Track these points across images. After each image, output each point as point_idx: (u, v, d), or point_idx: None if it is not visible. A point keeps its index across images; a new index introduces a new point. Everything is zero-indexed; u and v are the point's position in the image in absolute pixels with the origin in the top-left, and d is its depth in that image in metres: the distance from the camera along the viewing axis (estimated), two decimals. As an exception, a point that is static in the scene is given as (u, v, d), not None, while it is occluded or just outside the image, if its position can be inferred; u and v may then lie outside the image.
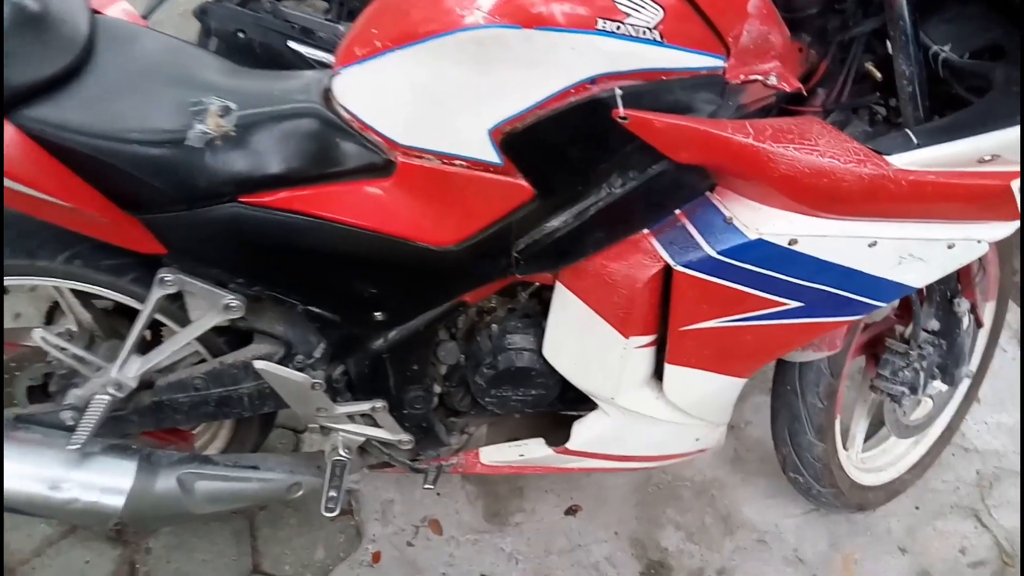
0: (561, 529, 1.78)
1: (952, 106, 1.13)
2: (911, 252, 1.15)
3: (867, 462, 1.79)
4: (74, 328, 1.43)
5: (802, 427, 1.53)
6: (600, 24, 0.99)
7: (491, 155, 1.08)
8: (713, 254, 1.11)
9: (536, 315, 1.37)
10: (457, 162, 1.11)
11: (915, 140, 1.06)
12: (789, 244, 1.10)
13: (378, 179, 1.14)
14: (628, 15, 1.00)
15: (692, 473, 1.90)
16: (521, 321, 1.38)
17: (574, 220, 1.15)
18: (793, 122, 1.08)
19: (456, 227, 1.16)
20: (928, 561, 1.79)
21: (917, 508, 1.89)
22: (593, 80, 1.03)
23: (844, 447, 1.69)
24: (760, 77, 1.10)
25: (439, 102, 1.07)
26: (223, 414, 1.44)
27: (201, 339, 1.34)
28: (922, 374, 1.52)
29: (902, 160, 1.05)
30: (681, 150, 1.07)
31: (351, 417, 1.42)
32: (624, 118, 1.03)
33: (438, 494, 1.81)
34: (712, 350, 1.26)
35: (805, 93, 1.13)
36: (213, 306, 1.25)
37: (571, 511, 1.82)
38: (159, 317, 1.33)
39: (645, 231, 1.17)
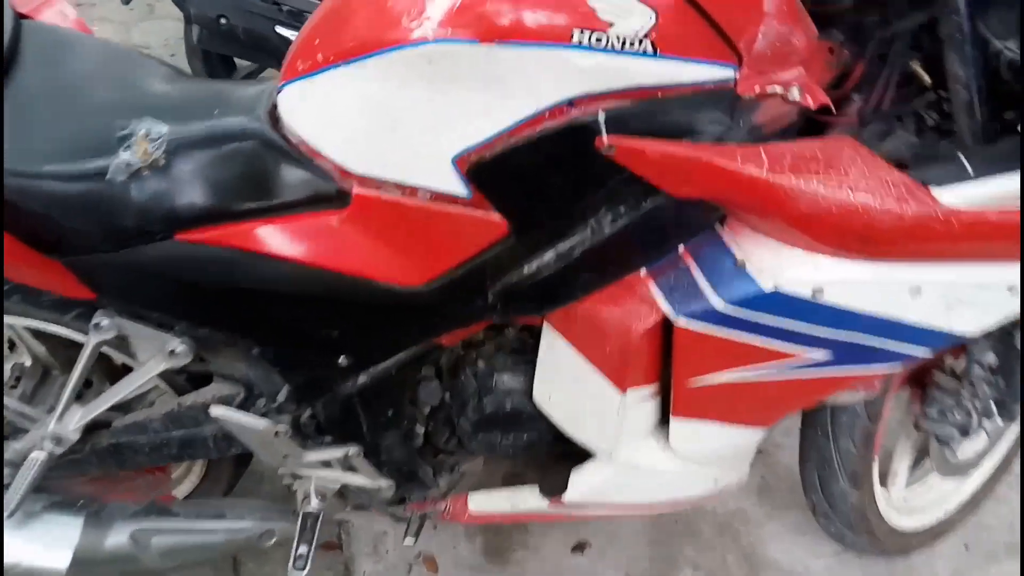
0: (567, 568, 1.64)
1: (1019, 109, 0.93)
2: (963, 298, 0.95)
3: (909, 500, 1.60)
4: (27, 363, 1.31)
5: (834, 474, 1.35)
6: (576, 36, 0.81)
7: (457, 186, 0.92)
8: (721, 306, 0.93)
9: (528, 351, 1.21)
10: (420, 193, 0.94)
11: (970, 170, 0.86)
12: (813, 295, 0.91)
13: (331, 211, 0.99)
14: (612, 23, 0.81)
15: (713, 505, 1.73)
16: (511, 358, 1.22)
17: (558, 261, 0.98)
18: (819, 146, 0.89)
19: (422, 266, 1.01)
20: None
21: (967, 548, 1.70)
22: (571, 102, 0.85)
23: (883, 485, 1.51)
24: (780, 89, 0.91)
25: (393, 127, 0.90)
26: (189, 456, 1.33)
27: (161, 375, 1.22)
28: (975, 414, 1.32)
29: (953, 195, 0.85)
30: (680, 184, 0.89)
31: (324, 463, 1.29)
32: (610, 148, 0.86)
33: (435, 527, 1.68)
34: (725, 403, 1.08)
35: (834, 109, 0.93)
36: (158, 351, 1.12)
37: (578, 548, 1.67)
38: (110, 353, 1.21)
39: (642, 272, 0.99)
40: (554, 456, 1.35)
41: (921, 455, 1.60)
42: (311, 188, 0.98)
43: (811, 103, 0.90)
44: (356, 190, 0.96)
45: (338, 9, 0.90)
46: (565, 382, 1.12)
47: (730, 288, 0.92)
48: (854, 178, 0.85)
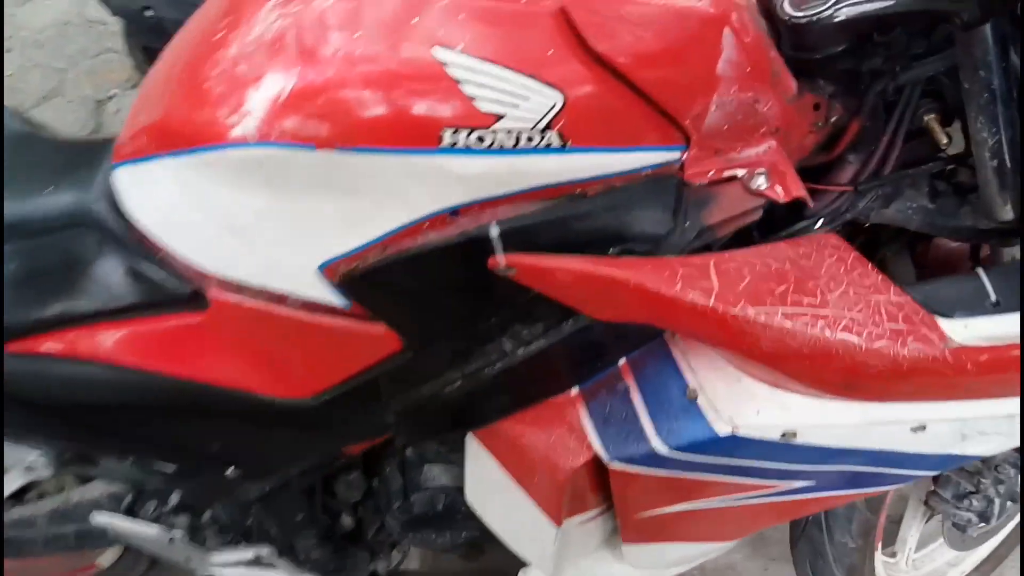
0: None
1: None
2: (982, 429, 0.74)
3: (919, 566, 1.41)
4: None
5: (828, 567, 1.16)
6: (447, 138, 0.59)
7: (331, 297, 0.72)
8: (665, 451, 0.73)
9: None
10: (290, 300, 0.74)
11: (992, 294, 0.64)
12: (783, 437, 0.71)
13: (187, 313, 0.80)
14: (499, 115, 0.59)
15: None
16: (443, 446, 1.04)
17: (465, 381, 0.78)
18: (790, 254, 0.67)
19: (305, 378, 0.82)
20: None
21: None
22: (455, 211, 0.64)
23: (889, 553, 1.32)
24: (740, 173, 0.69)
25: (242, 229, 0.70)
26: (89, 546, 1.18)
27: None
28: (997, 501, 1.12)
29: (969, 331, 0.63)
30: (603, 309, 0.68)
31: (235, 564, 1.13)
32: (508, 268, 0.65)
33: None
34: (684, 527, 0.89)
35: (810, 202, 0.70)
36: (15, 465, 0.95)
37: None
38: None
39: (573, 391, 0.79)
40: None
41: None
42: (160, 288, 0.79)
43: (780, 196, 0.68)
44: (213, 293, 0.77)
45: (157, 82, 0.69)
46: (495, 498, 0.94)
47: (677, 429, 0.72)
48: (835, 306, 0.64)
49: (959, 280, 0.68)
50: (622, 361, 0.78)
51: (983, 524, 1.13)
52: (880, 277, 0.66)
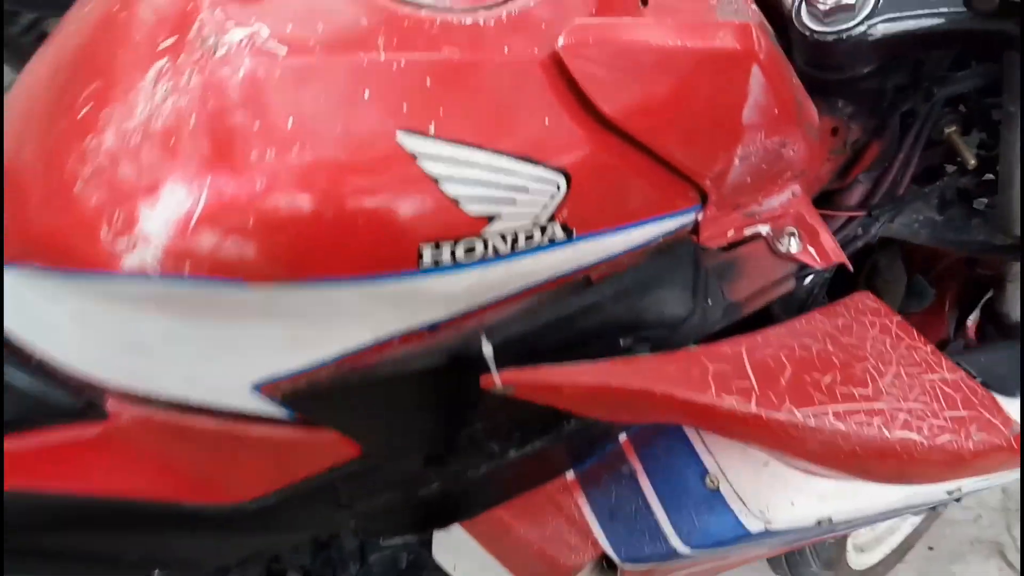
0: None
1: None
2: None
3: (867, 536, 1.41)
4: None
5: (806, 560, 1.13)
6: (427, 256, 0.44)
7: (269, 409, 0.57)
8: (687, 551, 0.63)
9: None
10: (215, 411, 0.59)
11: (1061, 367, 0.56)
12: (818, 525, 0.62)
13: (79, 425, 0.63)
14: (493, 216, 0.45)
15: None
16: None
17: (444, 484, 0.66)
18: (827, 329, 0.57)
19: (239, 485, 0.67)
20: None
21: (931, 549, 1.56)
22: (435, 326, 0.50)
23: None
24: (764, 230, 0.57)
25: (145, 348, 0.54)
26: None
27: None
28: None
29: (1035, 412, 0.55)
30: (622, 415, 0.56)
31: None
32: (506, 388, 0.52)
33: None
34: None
35: (850, 267, 0.60)
36: None
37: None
38: None
39: (569, 476, 0.68)
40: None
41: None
42: (40, 402, 0.62)
43: (816, 261, 0.57)
44: (112, 405, 0.61)
45: (12, 174, 0.50)
46: (473, 568, 0.83)
47: (701, 527, 0.63)
48: (889, 395, 0.54)
49: (1012, 348, 0.59)
50: (623, 437, 0.68)
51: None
52: (929, 348, 0.57)
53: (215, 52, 0.43)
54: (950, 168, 0.75)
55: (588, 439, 0.66)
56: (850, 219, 0.70)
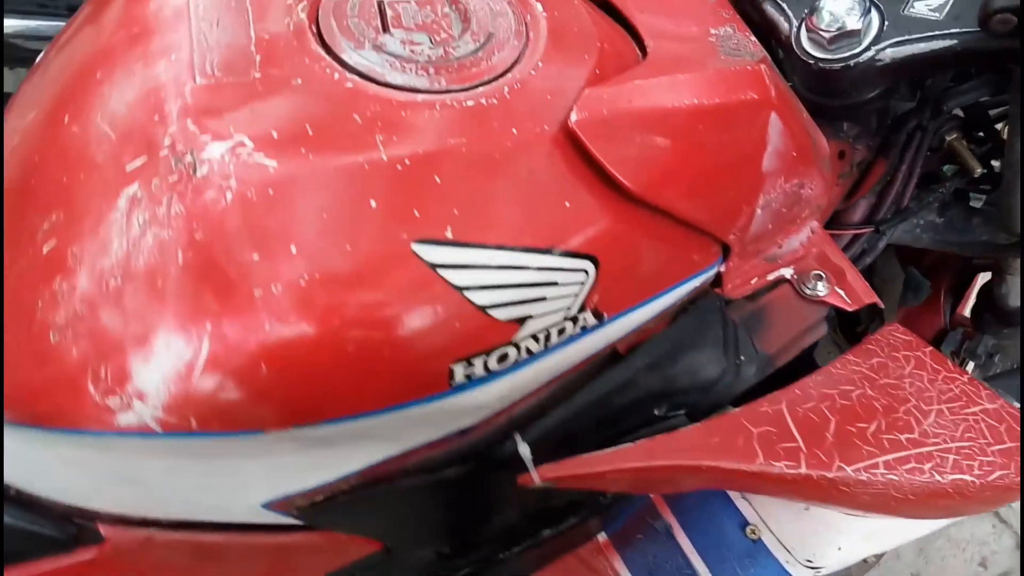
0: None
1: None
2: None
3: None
4: None
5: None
6: (459, 375, 0.40)
7: (278, 519, 0.53)
8: (734, 608, 0.61)
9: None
10: (223, 526, 0.55)
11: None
12: (865, 563, 0.60)
13: (71, 552, 0.58)
14: (525, 318, 0.41)
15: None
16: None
17: (474, 567, 0.62)
18: (863, 369, 0.55)
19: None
20: (947, 586, 1.51)
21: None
22: (464, 431, 0.46)
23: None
24: (788, 273, 0.55)
25: (142, 482, 0.49)
26: None
27: None
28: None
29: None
30: (665, 488, 0.53)
31: None
32: (546, 483, 0.48)
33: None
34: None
35: (879, 302, 0.57)
36: None
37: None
38: None
39: (600, 537, 0.65)
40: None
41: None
42: (26, 532, 0.57)
43: (848, 304, 0.54)
44: (108, 531, 0.56)
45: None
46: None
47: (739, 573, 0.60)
48: (935, 436, 0.52)
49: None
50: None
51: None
52: (966, 378, 0.55)
53: (195, 172, 0.38)
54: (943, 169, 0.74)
55: (622, 504, 0.63)
56: (856, 236, 0.68)
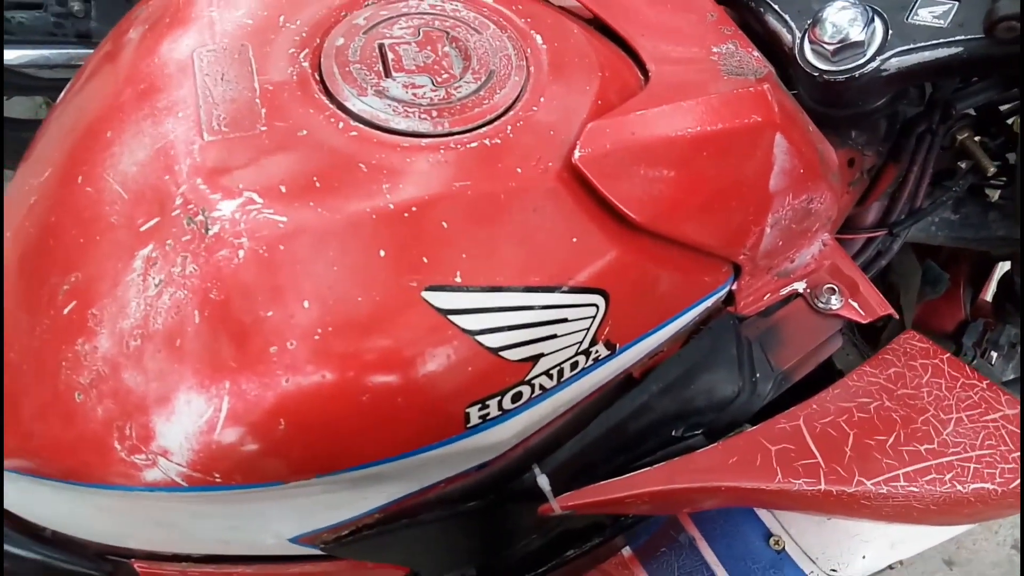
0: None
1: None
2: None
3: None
4: None
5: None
6: (475, 417, 0.41)
7: (304, 551, 0.54)
8: (761, 619, 0.61)
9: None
10: (252, 559, 0.56)
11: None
12: (890, 569, 0.61)
13: None
14: (538, 356, 0.42)
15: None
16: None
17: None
18: (880, 380, 0.55)
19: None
20: (979, 570, 1.50)
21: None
22: (483, 465, 0.47)
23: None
24: (800, 287, 0.55)
25: (170, 524, 0.50)
26: None
27: None
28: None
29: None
30: (685, 507, 0.54)
31: None
32: (566, 512, 0.49)
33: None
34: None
35: (894, 313, 0.57)
36: None
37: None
38: None
39: (625, 552, 0.66)
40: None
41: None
42: (61, 571, 0.59)
43: (862, 316, 0.54)
44: (141, 566, 0.58)
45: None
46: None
47: (768, 589, 0.60)
48: (954, 446, 0.52)
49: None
50: (676, 505, 0.65)
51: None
52: (985, 384, 0.55)
53: (207, 231, 0.39)
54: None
55: (646, 520, 0.63)
56: (870, 239, 0.68)
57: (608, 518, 0.58)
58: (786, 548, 0.60)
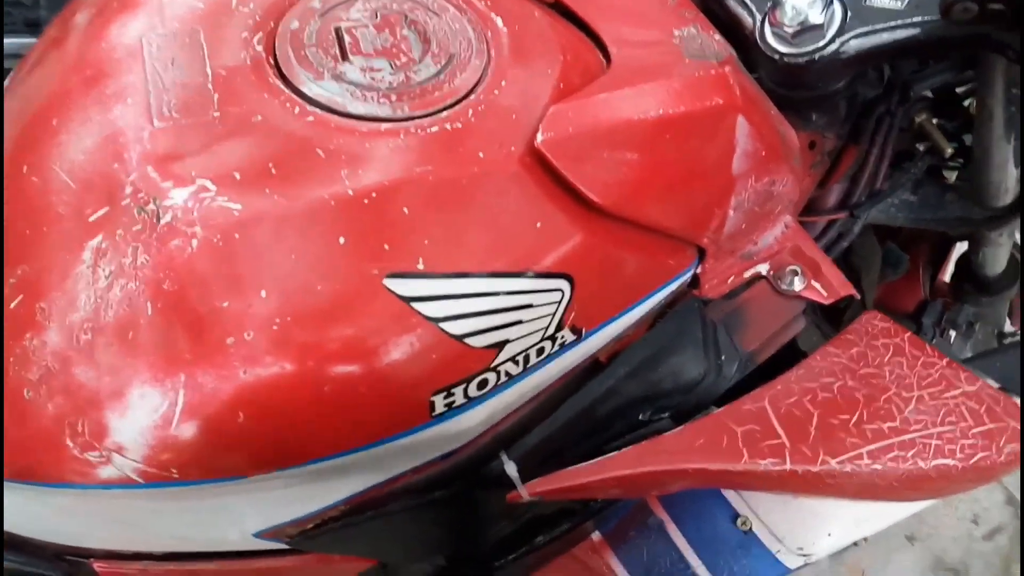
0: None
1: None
2: None
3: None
4: None
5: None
6: (440, 405, 0.40)
7: (268, 546, 0.54)
8: (728, 598, 0.62)
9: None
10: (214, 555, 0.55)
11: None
12: (855, 545, 0.62)
13: None
14: (503, 342, 0.41)
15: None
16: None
17: (471, 573, 0.63)
18: (843, 360, 0.55)
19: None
20: (940, 545, 1.54)
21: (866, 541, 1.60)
22: (449, 454, 0.46)
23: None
24: (763, 269, 0.55)
25: (132, 522, 0.49)
26: None
27: None
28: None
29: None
30: (652, 491, 0.54)
31: None
32: (533, 498, 0.48)
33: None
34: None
35: (855, 294, 0.58)
36: None
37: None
38: None
39: (595, 536, 0.66)
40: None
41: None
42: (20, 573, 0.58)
43: (824, 297, 0.55)
44: (100, 566, 0.57)
45: None
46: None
47: (739, 571, 0.61)
48: (917, 424, 0.53)
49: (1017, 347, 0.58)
50: (645, 489, 0.65)
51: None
52: (945, 362, 0.56)
53: (158, 220, 0.38)
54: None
55: (615, 504, 0.63)
56: (831, 221, 0.68)
57: (578, 503, 0.57)
58: (753, 528, 0.61)
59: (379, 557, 0.57)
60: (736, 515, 0.62)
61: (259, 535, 0.51)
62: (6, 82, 0.54)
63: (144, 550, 0.55)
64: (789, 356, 0.61)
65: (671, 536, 0.64)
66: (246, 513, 0.47)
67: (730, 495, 0.63)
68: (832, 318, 0.84)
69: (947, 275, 0.95)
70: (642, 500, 0.65)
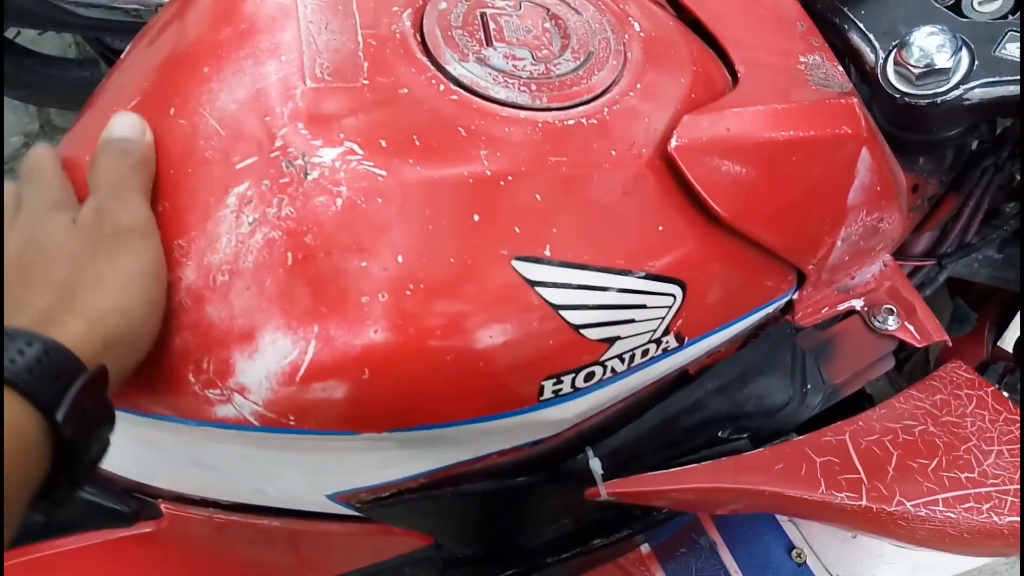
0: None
1: None
2: None
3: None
4: None
5: None
6: (548, 391, 0.41)
7: (337, 510, 0.54)
8: (777, 629, 0.61)
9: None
10: (279, 511, 0.56)
11: None
12: (909, 590, 0.61)
13: (135, 525, 0.61)
14: (613, 339, 0.42)
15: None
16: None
17: (520, 570, 0.63)
18: (926, 404, 0.55)
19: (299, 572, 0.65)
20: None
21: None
22: (537, 441, 0.47)
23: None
24: (858, 305, 0.55)
25: (213, 467, 0.50)
26: None
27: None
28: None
29: None
30: (725, 508, 0.54)
31: None
32: (611, 498, 0.49)
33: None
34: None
35: (949, 340, 0.58)
36: None
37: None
38: None
39: (644, 548, 0.66)
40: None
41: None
42: (89, 504, 0.60)
43: (916, 339, 0.55)
44: (167, 507, 0.58)
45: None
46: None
47: (787, 601, 0.61)
48: (994, 478, 0.53)
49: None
50: (699, 507, 0.66)
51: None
52: (1028, 418, 0.56)
53: (306, 176, 0.39)
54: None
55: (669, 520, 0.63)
56: (917, 267, 0.68)
57: (640, 510, 0.58)
58: (807, 562, 0.61)
59: (440, 537, 0.58)
60: (792, 546, 0.62)
61: (333, 497, 0.52)
62: (143, 28, 0.56)
63: (213, 497, 0.56)
64: (853, 398, 0.61)
65: (722, 557, 0.64)
66: (335, 471, 0.48)
67: (787, 525, 0.63)
68: (899, 369, 0.84)
69: (1009, 341, 0.94)
70: (695, 519, 0.66)
